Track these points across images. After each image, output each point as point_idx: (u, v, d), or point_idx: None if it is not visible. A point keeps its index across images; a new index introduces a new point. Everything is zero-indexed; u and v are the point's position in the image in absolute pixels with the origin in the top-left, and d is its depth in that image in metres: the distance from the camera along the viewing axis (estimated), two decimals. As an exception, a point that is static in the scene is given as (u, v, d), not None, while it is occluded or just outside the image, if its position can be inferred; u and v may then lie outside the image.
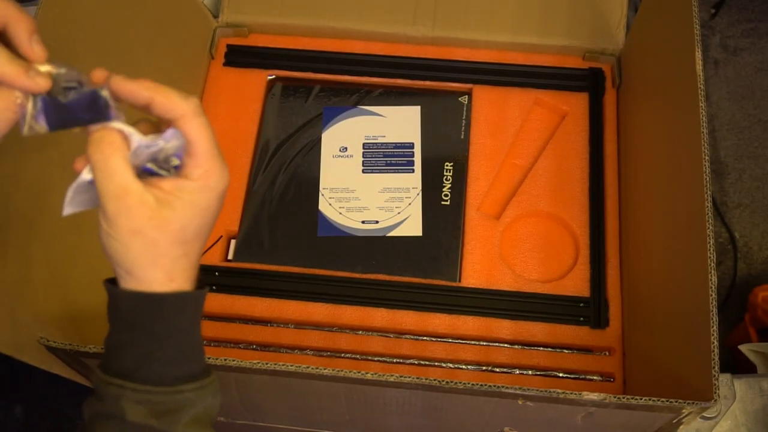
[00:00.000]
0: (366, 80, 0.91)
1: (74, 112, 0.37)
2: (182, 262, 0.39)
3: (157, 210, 0.37)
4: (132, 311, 0.39)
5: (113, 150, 0.37)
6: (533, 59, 0.91)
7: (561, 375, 0.77)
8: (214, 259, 0.82)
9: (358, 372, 0.55)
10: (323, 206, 0.84)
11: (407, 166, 0.86)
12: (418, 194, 0.85)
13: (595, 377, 0.76)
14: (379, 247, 0.82)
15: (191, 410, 0.39)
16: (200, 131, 0.38)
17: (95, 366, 0.40)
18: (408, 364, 0.77)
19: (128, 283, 0.39)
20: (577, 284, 0.80)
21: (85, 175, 0.38)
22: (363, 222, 0.84)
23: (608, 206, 0.83)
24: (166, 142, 0.38)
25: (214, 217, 0.40)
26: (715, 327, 0.54)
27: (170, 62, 0.82)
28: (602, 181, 0.84)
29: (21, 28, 0.37)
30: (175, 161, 0.39)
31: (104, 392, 0.39)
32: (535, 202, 0.84)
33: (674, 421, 0.57)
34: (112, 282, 0.40)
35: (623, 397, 0.54)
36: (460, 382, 0.54)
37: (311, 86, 0.91)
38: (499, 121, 0.87)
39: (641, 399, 0.53)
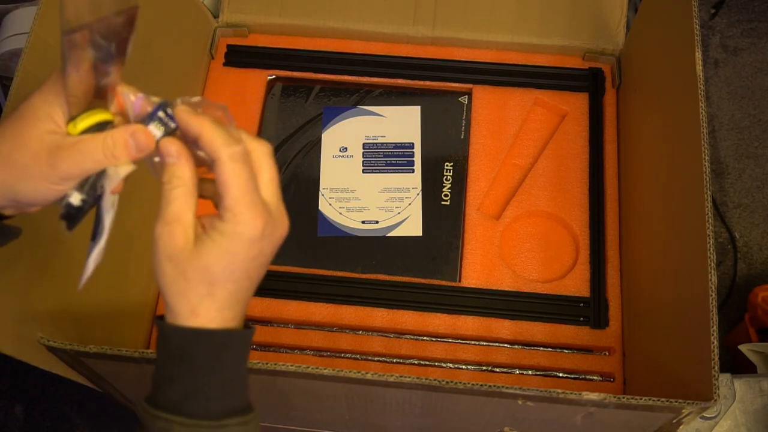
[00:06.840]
0: (366, 80, 0.91)
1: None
2: (207, 301, 0.39)
3: (191, 242, 0.39)
4: (179, 345, 0.39)
5: (180, 183, 0.39)
6: (533, 59, 0.91)
7: (561, 375, 0.77)
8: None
9: (358, 372, 0.55)
10: (323, 206, 0.84)
11: (407, 166, 0.86)
12: (418, 194, 0.85)
13: (595, 377, 0.76)
14: (379, 247, 0.82)
15: None
16: (231, 176, 0.39)
17: (142, 399, 0.40)
18: (408, 364, 0.77)
19: (168, 315, 0.40)
20: (577, 284, 0.80)
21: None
22: (363, 222, 0.84)
23: (608, 206, 0.83)
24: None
25: (244, 263, 0.40)
26: (715, 327, 0.54)
27: (170, 62, 0.82)
28: (602, 181, 0.84)
29: None
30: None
31: (151, 426, 0.39)
32: (534, 202, 0.84)
33: (674, 421, 0.57)
34: (161, 318, 0.41)
35: (623, 397, 0.54)
36: (460, 382, 0.54)
37: (311, 86, 0.91)
38: (499, 121, 0.87)
39: (641, 399, 0.53)
